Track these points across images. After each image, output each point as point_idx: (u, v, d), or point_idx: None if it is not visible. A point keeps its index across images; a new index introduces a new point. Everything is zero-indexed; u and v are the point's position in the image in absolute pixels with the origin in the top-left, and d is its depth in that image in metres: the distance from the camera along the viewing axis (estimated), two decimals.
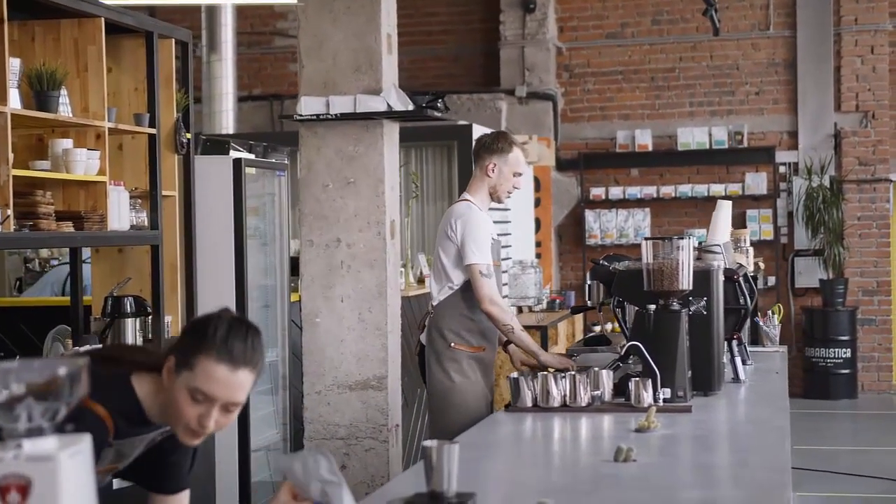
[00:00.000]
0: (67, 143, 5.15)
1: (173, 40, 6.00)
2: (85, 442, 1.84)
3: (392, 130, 6.14)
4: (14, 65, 4.81)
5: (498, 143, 5.42)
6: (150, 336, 5.74)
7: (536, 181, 12.60)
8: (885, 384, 12.69)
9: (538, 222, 12.60)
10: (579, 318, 11.68)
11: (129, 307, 5.55)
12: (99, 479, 2.58)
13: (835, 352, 12.32)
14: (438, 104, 6.29)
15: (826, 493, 8.27)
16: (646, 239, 4.50)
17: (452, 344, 5.28)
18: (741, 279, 5.14)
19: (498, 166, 5.38)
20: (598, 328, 12.40)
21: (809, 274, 12.68)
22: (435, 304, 5.39)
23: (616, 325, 12.48)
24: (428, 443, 2.76)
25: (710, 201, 12.69)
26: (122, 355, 2.77)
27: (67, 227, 5.03)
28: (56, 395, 1.82)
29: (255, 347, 2.63)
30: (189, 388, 2.57)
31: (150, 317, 5.70)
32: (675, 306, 4.44)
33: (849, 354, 12.35)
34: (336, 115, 5.91)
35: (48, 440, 1.81)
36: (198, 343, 2.58)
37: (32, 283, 8.42)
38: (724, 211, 5.60)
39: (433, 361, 5.32)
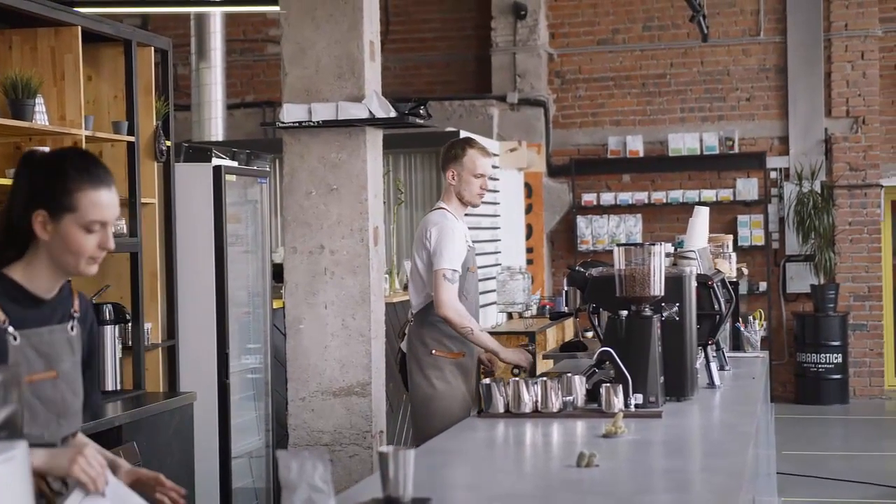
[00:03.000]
0: (44, 151, 5.16)
1: (152, 48, 6.01)
2: (20, 448, 1.85)
3: (375, 137, 6.16)
4: None
5: (452, 150, 5.53)
6: (129, 343, 5.75)
7: (528, 187, 12.63)
8: (877, 389, 12.69)
9: (530, 228, 12.62)
10: (569, 323, 11.69)
11: (108, 314, 5.55)
12: (46, 391, 2.65)
13: (826, 357, 12.32)
14: (421, 111, 6.30)
15: (816, 499, 8.28)
16: (618, 245, 4.52)
17: (434, 351, 5.34)
18: (717, 285, 5.14)
19: (456, 172, 5.48)
20: (590, 334, 12.43)
21: (801, 279, 12.68)
22: (415, 311, 5.45)
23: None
24: (383, 449, 2.78)
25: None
26: None
27: None
28: None
29: (103, 165, 2.79)
30: (81, 224, 2.69)
31: (129, 324, 5.71)
32: (647, 312, 4.45)
33: (840, 360, 12.35)
34: (318, 122, 5.92)
35: None
36: (65, 185, 2.68)
37: None
38: (701, 217, 5.61)
39: (415, 369, 5.38)
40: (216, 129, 10.31)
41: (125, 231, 5.69)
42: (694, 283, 4.74)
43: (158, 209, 6.09)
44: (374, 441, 5.79)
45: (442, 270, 5.26)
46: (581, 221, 13.05)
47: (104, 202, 2.72)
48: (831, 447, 10.52)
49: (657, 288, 4.44)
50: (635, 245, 4.49)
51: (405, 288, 8.50)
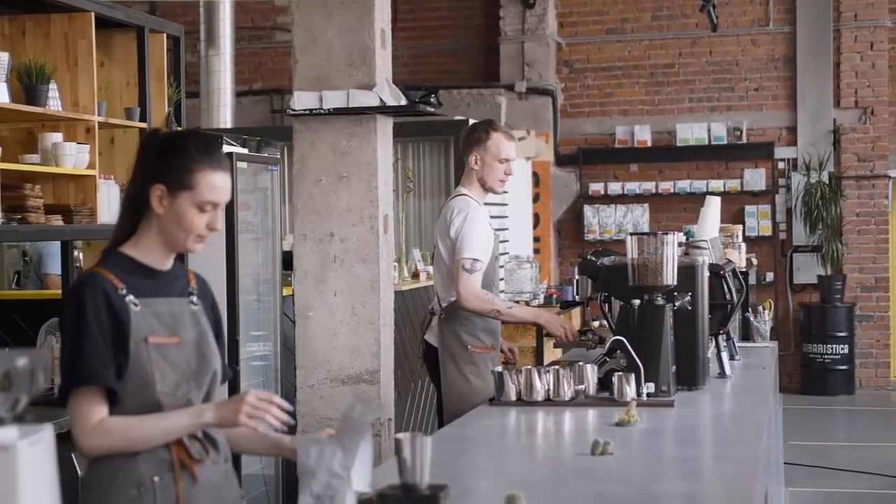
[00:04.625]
0: (57, 136, 5.17)
1: (165, 35, 6.02)
2: (46, 431, 1.86)
3: (385, 125, 6.16)
4: (3, 59, 4.83)
5: (474, 133, 5.37)
6: None
7: (535, 176, 12.62)
8: (883, 380, 12.70)
9: (537, 217, 12.62)
10: (577, 312, 11.70)
11: None
12: (172, 354, 2.82)
13: (832, 348, 12.33)
14: (431, 99, 6.30)
15: (822, 489, 8.28)
16: (631, 234, 4.52)
17: (469, 346, 5.21)
18: (728, 274, 5.14)
19: (479, 156, 5.33)
20: (596, 323, 12.43)
21: (808, 270, 12.68)
22: (445, 304, 5.29)
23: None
24: (400, 435, 2.78)
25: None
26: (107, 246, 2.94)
27: (57, 221, 5.05)
28: (15, 386, 1.84)
29: (222, 149, 2.94)
30: (196, 203, 2.82)
31: None
32: (660, 301, 4.45)
33: (846, 350, 12.35)
34: (329, 109, 5.92)
35: (8, 430, 1.83)
36: (186, 164, 2.82)
37: (28, 277, 8.44)
38: (713, 207, 5.61)
39: (449, 364, 5.23)
40: (225, 116, 10.31)
41: None
42: (706, 273, 4.74)
43: None
44: (382, 429, 5.79)
45: (461, 261, 5.13)
46: (588, 211, 13.05)
47: (220, 185, 2.85)
48: (837, 438, 10.53)
49: (670, 277, 4.43)
50: (648, 234, 4.49)
51: (414, 276, 8.51)
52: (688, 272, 4.60)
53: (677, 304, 4.51)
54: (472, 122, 10.14)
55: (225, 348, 3.04)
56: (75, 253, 6.31)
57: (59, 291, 6.95)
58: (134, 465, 2.80)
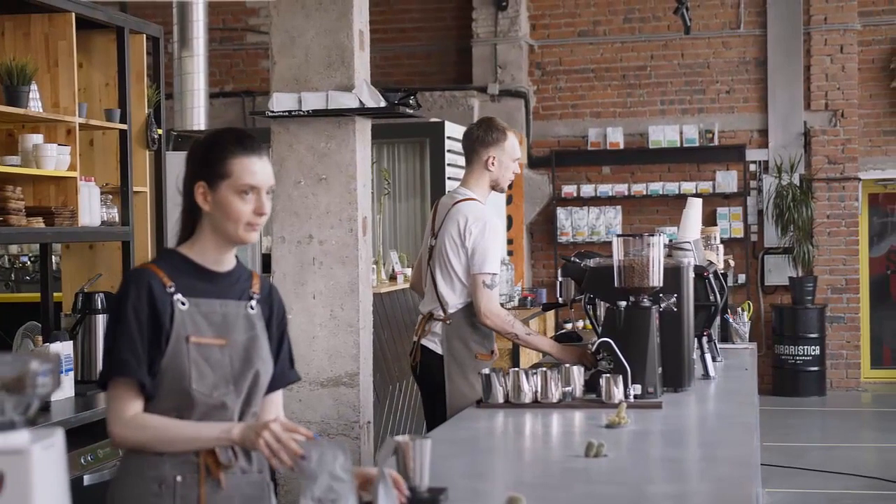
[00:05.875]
0: (38, 138, 5.12)
1: (144, 36, 5.97)
2: (58, 435, 1.84)
3: (364, 127, 6.15)
4: None
5: (492, 133, 5.14)
6: None
7: None
8: (854, 381, 12.79)
9: (510, 220, 12.64)
10: (551, 315, 11.72)
11: (100, 303, 5.51)
12: (214, 355, 2.84)
13: (804, 349, 12.41)
14: (411, 101, 6.29)
15: (797, 490, 8.33)
16: (617, 236, 4.52)
17: (477, 355, 5.08)
18: (711, 276, 5.16)
19: (497, 158, 5.13)
20: (569, 325, 12.46)
21: (779, 272, 12.76)
22: (451, 310, 5.09)
23: (587, 321, 12.54)
24: (400, 438, 2.78)
25: (681, 199, 12.72)
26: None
27: (38, 223, 5.01)
28: (27, 389, 1.82)
29: (256, 139, 2.96)
30: (236, 189, 2.86)
31: None
32: (646, 303, 4.46)
33: (817, 352, 12.43)
34: (308, 111, 5.90)
35: (20, 434, 1.80)
36: (220, 155, 2.88)
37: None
38: (695, 208, 5.62)
39: (456, 373, 5.07)
40: (199, 118, 10.25)
41: (117, 220, 5.66)
42: (692, 274, 4.76)
43: (150, 197, 6.05)
44: (361, 431, 5.78)
45: (481, 276, 4.95)
46: (561, 213, 13.07)
47: (255, 168, 2.88)
48: (810, 438, 10.59)
49: (656, 279, 4.45)
50: (634, 236, 4.50)
51: (391, 279, 8.49)
52: (674, 274, 4.61)
53: (663, 305, 4.52)
54: (447, 124, 10.18)
55: (287, 353, 3.05)
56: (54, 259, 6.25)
57: (37, 295, 6.88)
58: (160, 462, 2.83)
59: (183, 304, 2.85)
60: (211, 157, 2.89)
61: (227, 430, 2.82)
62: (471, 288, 5.01)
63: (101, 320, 5.54)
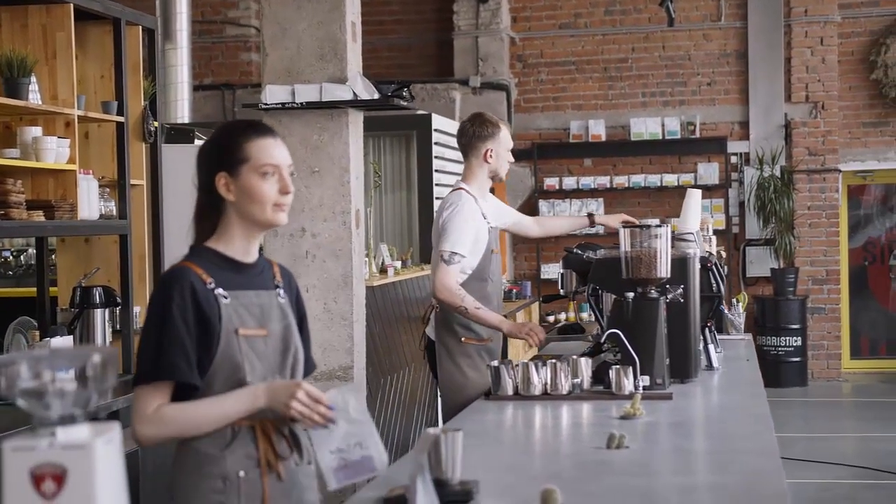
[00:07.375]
0: (37, 130, 5.07)
1: (140, 27, 5.92)
2: (115, 430, 1.82)
3: (357, 119, 6.12)
4: None
5: (487, 128, 5.37)
6: (118, 327, 5.67)
7: None
8: (835, 372, 12.85)
9: None
10: (535, 307, 11.72)
11: (98, 298, 5.47)
12: (259, 346, 2.84)
13: (785, 340, 12.46)
14: (404, 93, 6.27)
15: (786, 480, 8.35)
16: (624, 226, 4.52)
17: (463, 339, 5.20)
18: (713, 266, 5.18)
19: (494, 150, 5.39)
20: (563, 316, 12.47)
21: (761, 263, 12.81)
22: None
23: (573, 314, 12.51)
24: (432, 430, 2.75)
25: (663, 191, 12.81)
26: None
27: (38, 217, 4.96)
28: (88, 383, 1.80)
29: (266, 125, 2.99)
30: (257, 171, 2.84)
31: (119, 307, 5.63)
32: (653, 294, 4.46)
33: (799, 343, 12.49)
34: (302, 103, 5.87)
35: (81, 428, 1.79)
36: (236, 141, 2.88)
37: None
38: (695, 199, 5.63)
39: (444, 357, 5.22)
40: (183, 111, 10.18)
41: (115, 213, 5.61)
42: (697, 265, 4.76)
43: (146, 191, 6.00)
44: None
45: (440, 251, 5.11)
46: (543, 205, 13.07)
47: (272, 147, 2.88)
48: (792, 429, 10.63)
49: (663, 270, 4.44)
50: (641, 227, 4.49)
51: (382, 272, 8.46)
52: (680, 265, 4.61)
53: (670, 296, 4.52)
54: (434, 116, 10.16)
55: (309, 341, 3.05)
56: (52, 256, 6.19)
57: (22, 290, 6.84)
58: (220, 459, 2.80)
59: (225, 297, 2.84)
60: (227, 145, 2.88)
61: (253, 399, 2.78)
62: (432, 264, 5.13)
63: (98, 315, 5.50)
